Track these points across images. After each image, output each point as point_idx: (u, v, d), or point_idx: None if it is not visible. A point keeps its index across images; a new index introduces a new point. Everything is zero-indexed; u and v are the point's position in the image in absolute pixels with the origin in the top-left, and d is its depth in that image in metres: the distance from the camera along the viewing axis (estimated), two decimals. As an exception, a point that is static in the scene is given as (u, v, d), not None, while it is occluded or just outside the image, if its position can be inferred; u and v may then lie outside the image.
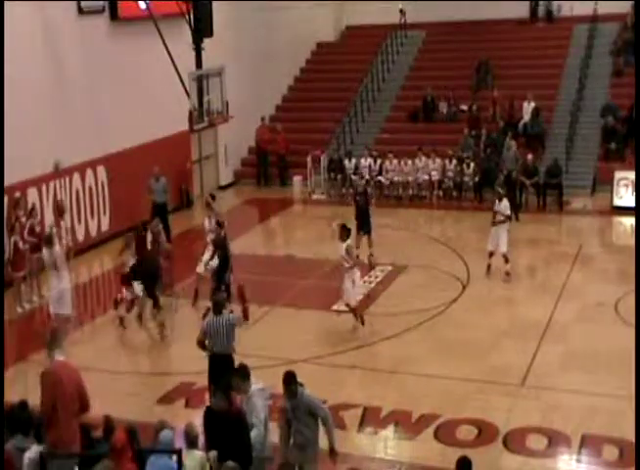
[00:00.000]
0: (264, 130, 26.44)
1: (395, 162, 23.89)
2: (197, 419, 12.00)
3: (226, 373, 10.65)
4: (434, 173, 23.55)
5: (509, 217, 17.08)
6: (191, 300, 15.68)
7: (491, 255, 16.89)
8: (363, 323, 14.32)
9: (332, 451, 8.87)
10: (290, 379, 8.95)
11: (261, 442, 8.83)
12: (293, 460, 8.98)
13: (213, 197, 17.26)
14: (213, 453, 8.19)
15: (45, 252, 14.19)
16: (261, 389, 9.08)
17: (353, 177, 24.21)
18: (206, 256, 15.64)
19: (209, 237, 15.81)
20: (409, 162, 23.74)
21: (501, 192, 17.58)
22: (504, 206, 16.88)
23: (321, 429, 8.87)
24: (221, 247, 14.89)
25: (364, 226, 17.82)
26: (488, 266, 16.92)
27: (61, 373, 8.27)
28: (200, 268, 15.69)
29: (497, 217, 16.81)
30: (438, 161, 23.61)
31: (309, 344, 14.21)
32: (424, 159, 23.67)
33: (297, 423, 8.93)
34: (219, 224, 15.45)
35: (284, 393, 8.92)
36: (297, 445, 9.00)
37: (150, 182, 19.79)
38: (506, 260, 16.76)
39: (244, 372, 9.03)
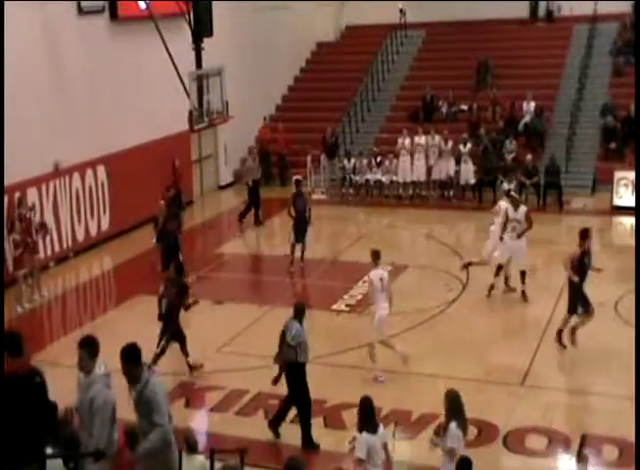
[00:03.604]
0: (266, 130, 26.44)
1: (406, 146, 23.76)
2: (197, 420, 12.09)
3: (298, 383, 10.76)
4: (434, 172, 23.58)
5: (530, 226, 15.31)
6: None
7: (499, 270, 15.57)
8: None
9: None
10: (131, 354, 6.81)
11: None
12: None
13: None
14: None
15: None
16: (106, 375, 7.11)
17: (353, 177, 24.25)
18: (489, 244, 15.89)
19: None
20: (422, 138, 23.69)
21: (517, 197, 16.15)
22: (521, 213, 15.28)
23: None
24: None
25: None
26: (492, 287, 15.60)
27: None
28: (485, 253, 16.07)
29: (517, 228, 15.19)
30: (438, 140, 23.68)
31: (309, 344, 14.18)
32: (437, 137, 23.61)
33: (143, 420, 6.96)
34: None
35: (123, 372, 7.02)
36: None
37: (246, 160, 22.64)
38: (524, 279, 15.54)
39: (92, 347, 7.05)
